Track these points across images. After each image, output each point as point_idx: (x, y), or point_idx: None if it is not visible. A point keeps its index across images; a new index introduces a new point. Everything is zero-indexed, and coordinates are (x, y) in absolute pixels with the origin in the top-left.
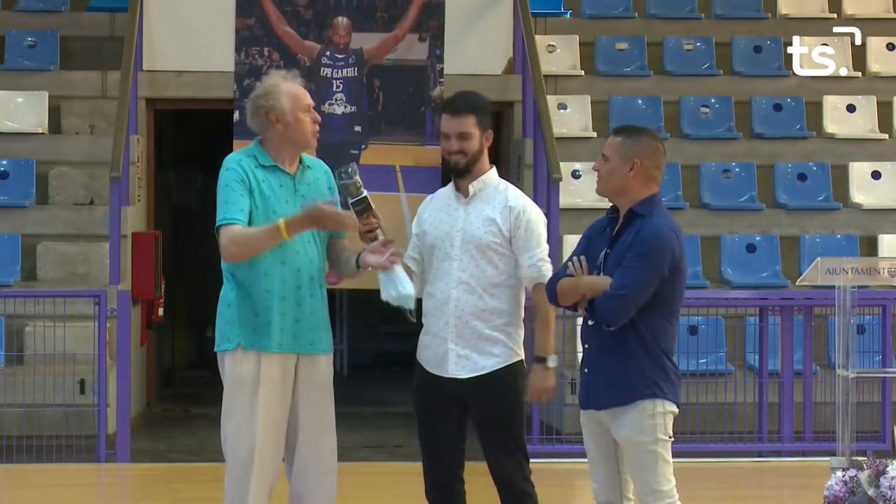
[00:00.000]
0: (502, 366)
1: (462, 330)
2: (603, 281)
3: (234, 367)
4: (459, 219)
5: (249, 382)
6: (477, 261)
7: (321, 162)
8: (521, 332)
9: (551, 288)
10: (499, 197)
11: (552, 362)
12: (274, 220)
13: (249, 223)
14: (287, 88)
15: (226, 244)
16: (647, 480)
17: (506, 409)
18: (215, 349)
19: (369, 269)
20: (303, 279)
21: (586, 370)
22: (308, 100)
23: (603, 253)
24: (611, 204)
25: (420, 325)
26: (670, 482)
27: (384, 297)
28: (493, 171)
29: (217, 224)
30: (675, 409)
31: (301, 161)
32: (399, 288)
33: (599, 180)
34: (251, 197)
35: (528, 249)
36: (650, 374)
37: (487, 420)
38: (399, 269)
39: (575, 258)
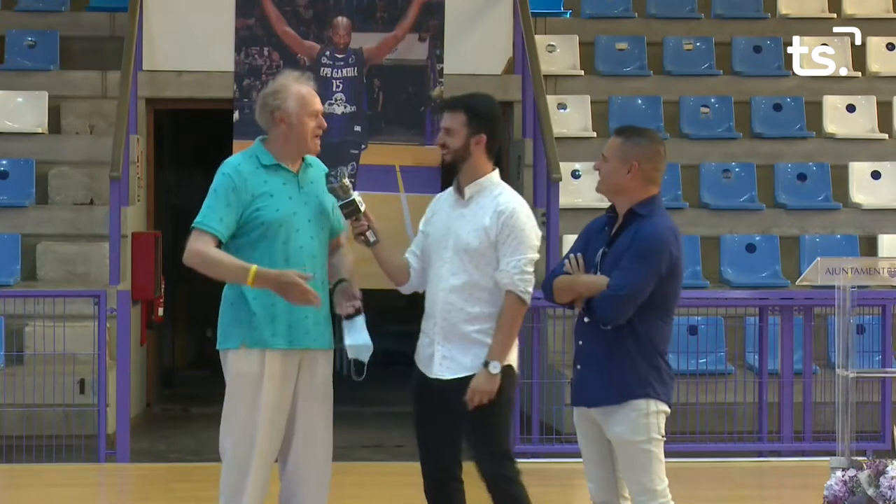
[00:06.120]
0: None
1: (448, 332)
2: (600, 280)
3: (237, 365)
4: (455, 222)
5: (252, 380)
6: (465, 265)
7: (320, 161)
8: None
9: (548, 285)
10: (492, 201)
11: (494, 368)
12: (276, 217)
13: (242, 222)
14: (297, 90)
15: (193, 252)
16: (640, 480)
17: (488, 411)
18: (217, 347)
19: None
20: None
21: (578, 367)
22: (316, 105)
23: (600, 252)
24: (610, 203)
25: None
26: (663, 481)
27: (345, 344)
28: (493, 175)
29: (194, 224)
30: (667, 409)
31: (303, 160)
32: (351, 338)
33: (599, 179)
34: (252, 201)
35: (507, 255)
36: (645, 374)
37: (470, 421)
38: (360, 319)
39: (572, 256)
